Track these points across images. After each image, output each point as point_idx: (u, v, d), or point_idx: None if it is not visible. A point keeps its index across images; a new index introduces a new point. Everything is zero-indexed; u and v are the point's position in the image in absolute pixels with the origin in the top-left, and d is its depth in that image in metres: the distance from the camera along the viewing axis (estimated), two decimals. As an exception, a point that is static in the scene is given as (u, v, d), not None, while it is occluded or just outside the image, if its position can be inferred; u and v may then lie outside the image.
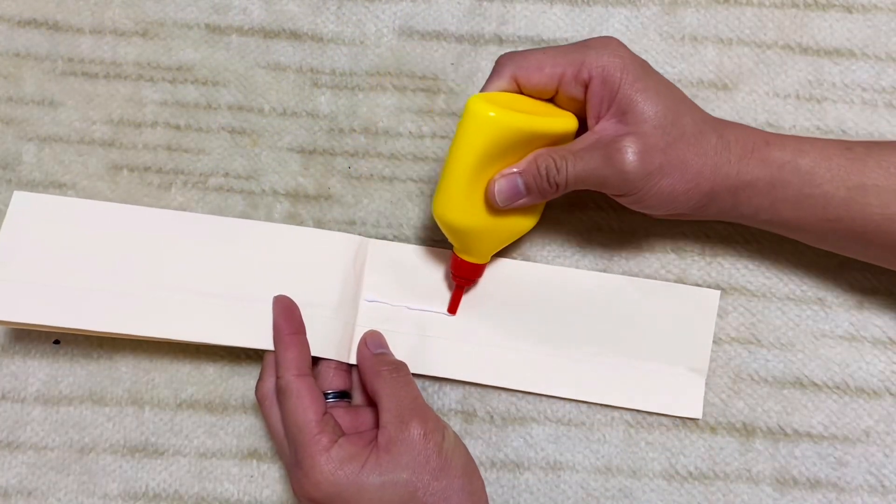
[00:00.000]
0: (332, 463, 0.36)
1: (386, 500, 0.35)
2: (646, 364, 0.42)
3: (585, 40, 0.38)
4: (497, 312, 0.42)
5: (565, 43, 0.46)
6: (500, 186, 0.37)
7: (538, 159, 0.37)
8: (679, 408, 0.42)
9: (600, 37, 0.38)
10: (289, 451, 0.38)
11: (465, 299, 0.42)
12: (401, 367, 0.40)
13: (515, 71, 0.37)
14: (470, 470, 0.38)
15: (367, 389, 0.40)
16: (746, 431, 0.42)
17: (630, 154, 0.35)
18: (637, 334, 0.42)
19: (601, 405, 0.42)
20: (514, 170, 0.37)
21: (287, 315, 0.40)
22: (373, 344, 0.41)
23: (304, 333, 0.40)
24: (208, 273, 0.41)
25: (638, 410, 0.42)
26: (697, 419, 0.42)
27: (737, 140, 0.37)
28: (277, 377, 0.39)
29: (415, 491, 0.36)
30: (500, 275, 0.43)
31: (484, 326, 0.42)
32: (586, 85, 0.37)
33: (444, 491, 0.36)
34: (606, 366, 0.42)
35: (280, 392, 0.38)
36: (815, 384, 0.42)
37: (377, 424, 0.38)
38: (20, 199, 0.41)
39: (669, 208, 0.37)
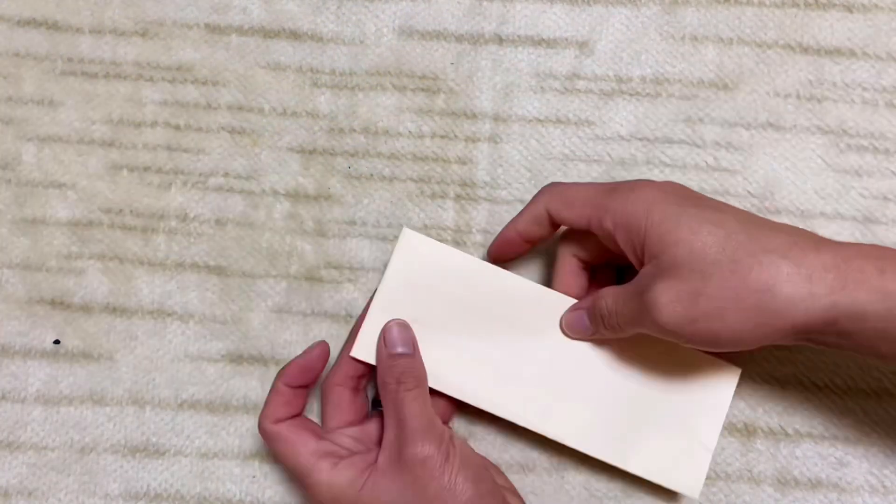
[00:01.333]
0: (332, 489, 0.36)
1: None
2: (652, 428, 0.39)
3: (618, 183, 0.36)
4: (509, 339, 0.40)
5: (565, 42, 0.46)
6: (567, 320, 0.38)
7: (599, 299, 0.36)
8: (678, 482, 0.39)
9: (633, 181, 0.36)
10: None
11: (486, 320, 0.40)
12: (406, 378, 0.38)
13: (549, 203, 0.37)
14: (482, 490, 0.36)
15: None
16: (748, 431, 0.42)
17: (661, 304, 0.33)
18: (648, 395, 0.39)
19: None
20: (582, 305, 0.37)
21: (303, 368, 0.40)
22: (391, 342, 0.38)
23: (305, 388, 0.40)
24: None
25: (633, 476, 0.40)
26: (693, 498, 0.41)
27: (827, 268, 0.31)
28: (263, 419, 0.39)
29: None
30: (525, 301, 0.40)
31: (495, 350, 0.40)
32: (613, 234, 0.35)
33: None
34: (611, 421, 0.39)
35: (267, 438, 0.39)
36: (816, 384, 0.42)
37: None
38: (409, 237, 0.39)
39: (739, 346, 0.33)
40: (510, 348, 0.40)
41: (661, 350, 0.39)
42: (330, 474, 0.36)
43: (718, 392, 0.39)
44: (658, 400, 0.39)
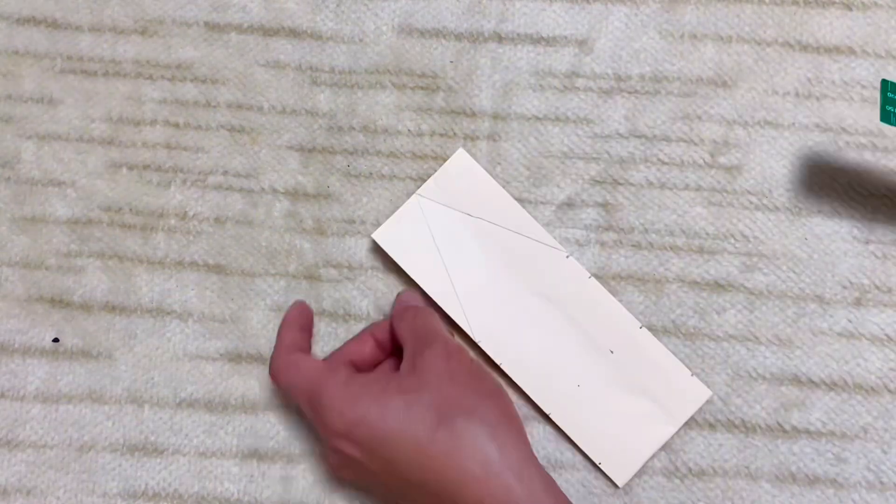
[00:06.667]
0: (352, 388, 0.38)
1: (413, 420, 0.37)
2: (608, 411, 0.44)
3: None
4: (509, 280, 0.45)
5: (564, 41, 0.48)
6: None
7: None
8: (611, 467, 0.44)
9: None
10: (309, 415, 0.40)
11: (494, 255, 0.45)
12: (423, 308, 0.43)
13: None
14: (497, 386, 0.40)
15: (395, 337, 0.43)
16: (745, 428, 0.44)
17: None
18: (617, 380, 0.44)
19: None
20: None
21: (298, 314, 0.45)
22: (407, 298, 0.44)
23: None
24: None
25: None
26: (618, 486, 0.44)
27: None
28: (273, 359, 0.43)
29: (444, 409, 0.37)
30: (531, 251, 0.45)
31: (492, 287, 0.45)
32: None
33: (477, 408, 0.37)
34: (575, 390, 0.44)
35: (282, 369, 0.42)
36: (813, 381, 0.44)
37: None
38: (461, 157, 0.46)
39: None
40: (507, 289, 0.45)
41: (642, 345, 0.44)
42: (346, 384, 0.39)
43: (680, 408, 0.44)
44: (624, 387, 0.44)
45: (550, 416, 0.44)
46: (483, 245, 0.45)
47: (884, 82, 0.40)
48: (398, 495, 0.39)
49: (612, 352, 0.44)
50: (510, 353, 0.44)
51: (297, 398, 0.41)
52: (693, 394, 0.44)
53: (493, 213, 0.45)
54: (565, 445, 0.44)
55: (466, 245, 0.45)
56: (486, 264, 0.44)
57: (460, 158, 0.46)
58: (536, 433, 0.45)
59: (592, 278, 0.45)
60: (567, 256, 0.45)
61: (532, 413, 0.45)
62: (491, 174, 0.47)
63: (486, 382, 0.40)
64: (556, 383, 0.44)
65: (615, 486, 0.44)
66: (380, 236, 0.45)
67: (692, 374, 0.44)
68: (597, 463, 0.44)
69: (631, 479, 0.44)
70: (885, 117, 0.40)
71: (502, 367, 0.44)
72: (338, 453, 0.39)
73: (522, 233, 0.45)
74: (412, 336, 0.41)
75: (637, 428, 0.44)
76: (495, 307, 0.45)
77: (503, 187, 0.46)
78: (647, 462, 0.44)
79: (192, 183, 0.47)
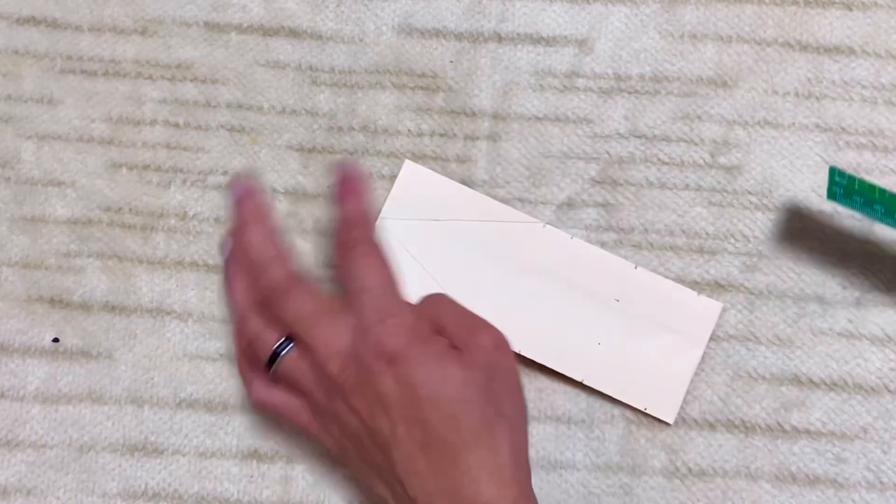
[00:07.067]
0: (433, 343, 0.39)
1: (466, 399, 0.37)
2: (633, 355, 0.45)
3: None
4: (496, 268, 0.46)
5: (564, 41, 0.48)
6: None
7: None
8: (654, 406, 0.44)
9: None
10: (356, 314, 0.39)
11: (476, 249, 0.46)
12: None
13: None
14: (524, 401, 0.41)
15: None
16: (745, 428, 0.44)
17: None
18: (630, 324, 0.45)
19: (600, 402, 0.45)
20: None
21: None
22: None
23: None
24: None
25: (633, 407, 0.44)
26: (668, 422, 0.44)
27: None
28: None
29: (493, 404, 0.38)
30: (527, 239, 0.46)
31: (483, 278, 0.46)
32: None
33: (513, 418, 0.39)
34: (593, 346, 0.45)
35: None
36: (814, 381, 0.45)
37: None
38: (409, 168, 0.47)
39: None
40: (498, 276, 0.45)
41: (643, 284, 0.45)
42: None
43: (699, 329, 0.45)
44: (640, 329, 0.45)
45: (584, 381, 0.44)
46: (460, 243, 0.46)
47: (831, 170, 0.41)
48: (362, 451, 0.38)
49: (617, 300, 0.45)
50: (523, 337, 0.44)
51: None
52: (706, 311, 0.45)
53: (459, 211, 0.46)
54: (564, 445, 0.44)
55: (445, 248, 0.45)
56: (469, 260, 0.45)
57: (409, 170, 0.47)
58: (536, 433, 0.45)
59: (575, 238, 0.46)
60: (544, 226, 0.46)
61: (533, 413, 0.45)
62: (490, 174, 0.47)
63: (521, 394, 0.40)
64: (576, 349, 0.45)
65: (666, 424, 0.44)
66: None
67: (698, 294, 0.45)
68: (642, 409, 0.44)
69: (677, 417, 0.44)
70: (831, 195, 0.42)
71: (521, 353, 0.44)
72: (365, 371, 0.37)
73: (493, 219, 0.46)
74: (458, 322, 0.40)
75: (667, 363, 0.44)
76: (492, 298, 0.45)
77: (501, 188, 0.47)
78: (688, 391, 0.44)
79: (192, 183, 0.47)
